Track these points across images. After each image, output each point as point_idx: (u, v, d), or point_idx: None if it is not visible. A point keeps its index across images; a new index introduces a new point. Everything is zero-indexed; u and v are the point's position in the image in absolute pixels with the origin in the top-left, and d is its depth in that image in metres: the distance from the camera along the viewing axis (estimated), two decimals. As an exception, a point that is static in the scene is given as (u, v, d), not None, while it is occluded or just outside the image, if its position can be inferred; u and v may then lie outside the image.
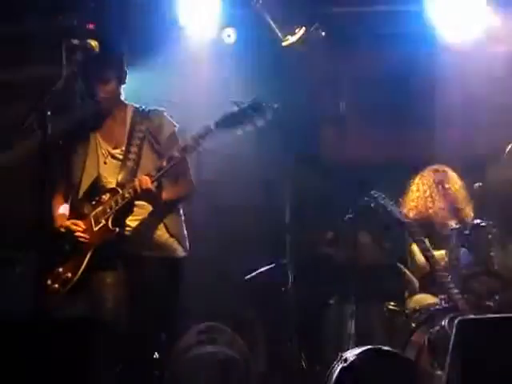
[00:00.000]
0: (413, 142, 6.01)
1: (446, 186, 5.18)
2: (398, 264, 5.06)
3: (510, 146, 5.24)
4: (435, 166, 5.29)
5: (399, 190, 5.22)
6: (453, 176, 5.24)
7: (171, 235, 3.96)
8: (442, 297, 4.52)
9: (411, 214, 4.99)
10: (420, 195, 5.17)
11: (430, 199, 5.13)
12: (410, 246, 4.99)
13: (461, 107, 5.70)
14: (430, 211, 5.09)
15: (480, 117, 5.69)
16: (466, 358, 2.37)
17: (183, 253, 4.01)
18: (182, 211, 4.06)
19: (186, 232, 4.05)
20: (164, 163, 3.79)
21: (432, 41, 5.64)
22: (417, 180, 5.26)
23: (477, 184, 5.32)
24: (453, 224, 4.99)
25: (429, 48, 5.69)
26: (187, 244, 4.05)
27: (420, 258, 4.80)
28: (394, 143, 6.04)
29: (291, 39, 5.42)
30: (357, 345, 4.48)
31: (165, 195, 3.89)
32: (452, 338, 2.52)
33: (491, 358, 2.43)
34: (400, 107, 6.00)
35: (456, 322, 2.47)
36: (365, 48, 5.78)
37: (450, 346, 2.47)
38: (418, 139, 5.99)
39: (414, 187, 5.23)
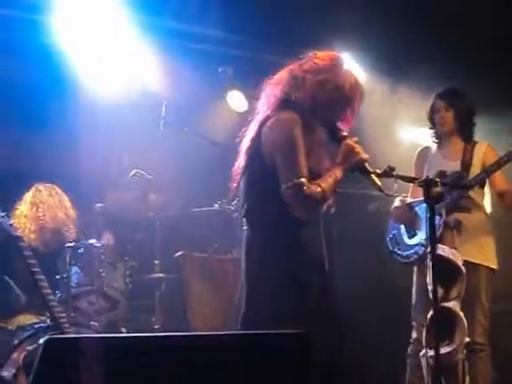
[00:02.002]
0: (44, 155, 5.84)
1: (42, 207, 5.11)
2: (6, 277, 4.87)
3: (133, 172, 5.45)
4: (40, 185, 5.20)
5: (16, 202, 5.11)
6: (55, 191, 5.20)
7: None
8: (47, 315, 4.47)
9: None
10: (18, 214, 5.08)
11: (23, 219, 5.05)
12: None
13: (91, 129, 5.71)
14: (24, 233, 4.96)
15: (111, 143, 5.75)
16: (47, 376, 2.36)
17: None
18: None
19: None
20: None
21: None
22: (23, 197, 5.16)
23: (97, 205, 5.44)
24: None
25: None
26: None
27: None
28: (25, 154, 5.83)
29: None
30: None
31: None
32: (38, 356, 2.47)
33: (76, 378, 2.43)
34: (33, 118, 5.83)
35: (43, 340, 2.44)
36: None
37: (34, 365, 2.43)
38: (49, 152, 5.83)
39: (18, 204, 5.13)
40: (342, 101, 3.32)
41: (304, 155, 3.22)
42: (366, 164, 3.26)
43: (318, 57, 3.39)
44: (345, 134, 3.33)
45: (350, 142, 3.28)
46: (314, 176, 3.23)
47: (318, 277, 3.29)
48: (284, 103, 3.33)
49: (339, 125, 3.35)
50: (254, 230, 3.34)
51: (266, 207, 3.28)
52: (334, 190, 3.30)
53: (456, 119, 4.80)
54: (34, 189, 5.17)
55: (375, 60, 6.01)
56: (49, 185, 5.22)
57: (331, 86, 3.30)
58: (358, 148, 3.26)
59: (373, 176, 3.23)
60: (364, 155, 3.26)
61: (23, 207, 5.10)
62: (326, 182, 3.21)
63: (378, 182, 3.22)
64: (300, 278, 3.23)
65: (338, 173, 3.25)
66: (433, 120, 4.90)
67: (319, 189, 3.18)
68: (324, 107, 3.31)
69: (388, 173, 3.19)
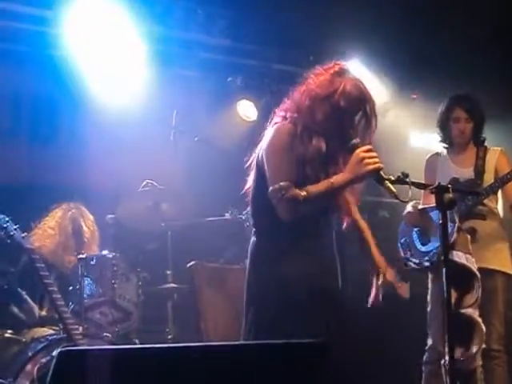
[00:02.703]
0: (55, 167, 5.88)
1: (85, 246, 5.16)
2: (19, 290, 4.87)
3: (144, 183, 5.44)
4: (71, 203, 5.24)
5: (37, 215, 5.13)
6: (85, 214, 5.25)
7: None
8: (61, 327, 4.47)
9: (37, 244, 4.84)
10: (47, 230, 5.10)
11: (59, 246, 5.08)
12: None
13: (101, 141, 5.71)
14: (47, 250, 4.99)
15: (122, 154, 5.76)
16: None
17: None
18: None
19: None
20: None
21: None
22: (51, 213, 5.19)
23: (109, 216, 5.42)
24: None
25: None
26: None
27: None
28: (36, 166, 5.87)
29: None
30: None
31: None
32: (51, 368, 2.47)
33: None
34: (44, 130, 5.86)
35: (56, 352, 2.43)
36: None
37: (48, 377, 2.43)
38: (60, 165, 5.87)
39: (47, 219, 5.15)
40: (336, 111, 3.29)
41: (293, 161, 3.26)
42: (381, 171, 3.22)
43: (317, 72, 3.40)
44: (354, 142, 3.29)
45: (359, 152, 3.23)
46: (310, 183, 3.26)
47: (309, 285, 3.32)
48: (282, 118, 3.41)
49: (350, 134, 3.33)
50: (255, 234, 3.46)
51: (264, 212, 3.37)
52: (331, 196, 3.32)
53: (474, 130, 4.77)
54: (70, 214, 5.19)
55: (387, 66, 6.00)
56: (81, 207, 5.24)
57: (319, 99, 3.31)
58: (367, 159, 3.21)
59: (387, 183, 3.20)
60: (374, 165, 3.19)
61: (55, 230, 5.12)
62: (317, 187, 3.24)
63: (393, 189, 3.19)
64: (288, 284, 3.29)
65: (337, 180, 3.24)
66: (445, 126, 4.83)
67: (304, 193, 3.21)
68: (320, 120, 3.30)
69: (402, 179, 3.16)
